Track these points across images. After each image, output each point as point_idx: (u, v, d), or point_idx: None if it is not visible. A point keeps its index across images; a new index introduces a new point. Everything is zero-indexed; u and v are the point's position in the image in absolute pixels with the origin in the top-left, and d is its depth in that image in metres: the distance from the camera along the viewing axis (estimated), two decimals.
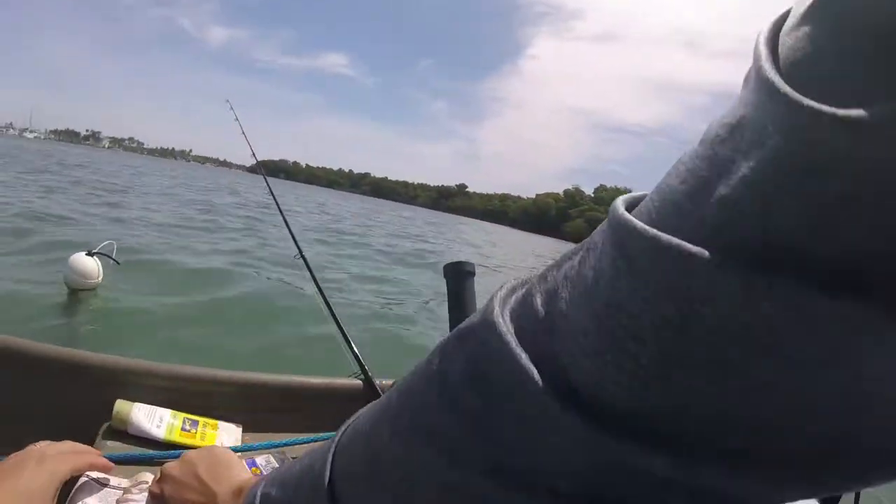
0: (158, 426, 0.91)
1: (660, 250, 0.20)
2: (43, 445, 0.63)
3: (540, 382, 0.24)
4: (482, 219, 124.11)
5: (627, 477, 0.24)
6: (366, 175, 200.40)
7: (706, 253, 0.19)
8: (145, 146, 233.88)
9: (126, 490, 0.77)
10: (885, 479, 0.21)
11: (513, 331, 0.26)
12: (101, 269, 3.98)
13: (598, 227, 0.25)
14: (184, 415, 0.96)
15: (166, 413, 0.94)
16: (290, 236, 1.41)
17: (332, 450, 0.37)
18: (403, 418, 0.31)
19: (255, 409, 1.04)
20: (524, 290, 0.28)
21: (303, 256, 1.35)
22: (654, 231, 0.21)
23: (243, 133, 1.90)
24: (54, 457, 0.60)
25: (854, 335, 0.18)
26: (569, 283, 0.25)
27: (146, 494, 0.69)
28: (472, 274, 1.24)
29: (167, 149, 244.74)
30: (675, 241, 0.20)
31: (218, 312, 4.21)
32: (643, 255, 0.21)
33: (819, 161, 0.17)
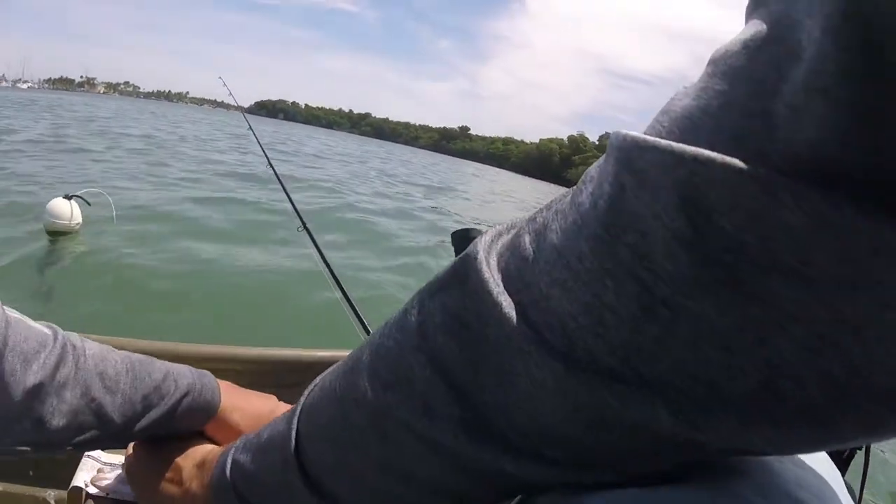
0: None
1: (675, 158, 0.18)
2: None
3: (522, 328, 0.22)
4: (484, 162, 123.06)
5: (619, 435, 0.22)
6: (366, 115, 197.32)
7: (728, 160, 0.17)
8: (141, 90, 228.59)
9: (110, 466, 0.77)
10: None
11: (498, 277, 0.24)
12: (77, 212, 4.18)
13: (593, 165, 0.23)
14: None
15: None
16: (292, 209, 1.36)
17: (297, 413, 0.35)
18: (379, 372, 0.28)
19: (263, 382, 1.02)
20: (512, 233, 0.25)
21: (307, 229, 1.30)
22: (667, 142, 0.19)
23: (238, 105, 1.84)
24: None
25: (883, 255, 0.16)
26: (560, 216, 0.23)
27: (120, 471, 0.68)
28: None
29: (163, 91, 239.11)
30: (692, 148, 0.18)
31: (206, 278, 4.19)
32: (655, 167, 0.19)
33: (860, 63, 0.15)
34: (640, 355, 0.20)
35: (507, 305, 0.23)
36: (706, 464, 0.23)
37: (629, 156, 0.20)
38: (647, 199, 0.19)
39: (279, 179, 1.54)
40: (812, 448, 0.20)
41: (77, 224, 4.16)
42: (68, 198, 4.12)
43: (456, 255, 1.16)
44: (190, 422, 0.54)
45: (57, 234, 4.07)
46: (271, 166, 1.58)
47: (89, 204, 4.26)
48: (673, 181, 0.18)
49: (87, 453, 0.78)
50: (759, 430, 0.19)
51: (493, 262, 0.25)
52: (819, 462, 0.27)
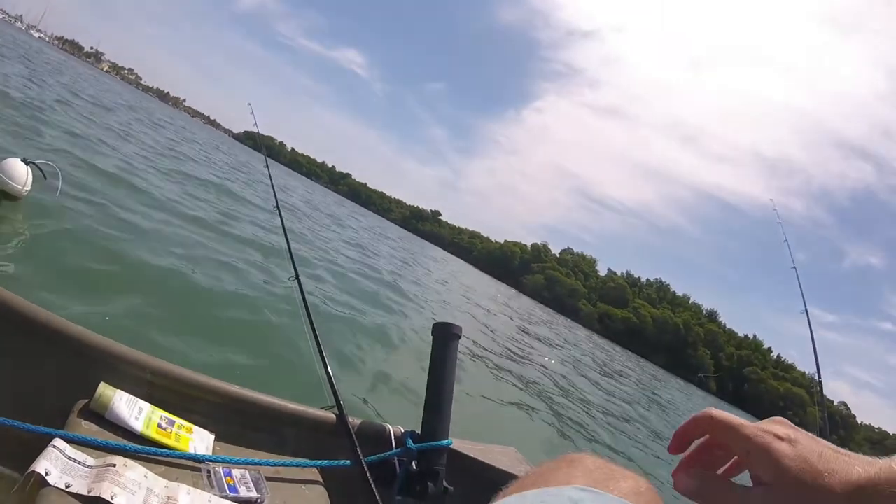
0: (137, 418, 0.90)
1: None
2: None
3: None
4: (447, 249, 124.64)
5: None
6: (347, 175, 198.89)
7: None
8: (142, 81, 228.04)
9: (95, 468, 0.77)
10: None
11: None
12: (30, 179, 4.05)
13: None
14: (161, 411, 0.95)
15: (146, 406, 0.93)
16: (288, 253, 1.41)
17: None
18: None
19: (231, 420, 1.03)
20: None
21: (298, 280, 1.35)
22: None
23: (257, 133, 1.93)
24: None
25: None
26: None
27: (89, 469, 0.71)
28: (458, 337, 1.29)
29: (163, 91, 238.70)
30: None
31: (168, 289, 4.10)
32: None
33: None
34: None
35: None
36: None
37: None
38: None
39: (283, 226, 1.59)
40: None
41: (26, 190, 4.00)
42: (27, 162, 3.99)
43: (433, 346, 1.24)
44: None
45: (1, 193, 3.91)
46: (281, 219, 1.64)
47: (45, 178, 4.18)
48: None
49: (52, 443, 0.78)
50: None
51: None
52: None
